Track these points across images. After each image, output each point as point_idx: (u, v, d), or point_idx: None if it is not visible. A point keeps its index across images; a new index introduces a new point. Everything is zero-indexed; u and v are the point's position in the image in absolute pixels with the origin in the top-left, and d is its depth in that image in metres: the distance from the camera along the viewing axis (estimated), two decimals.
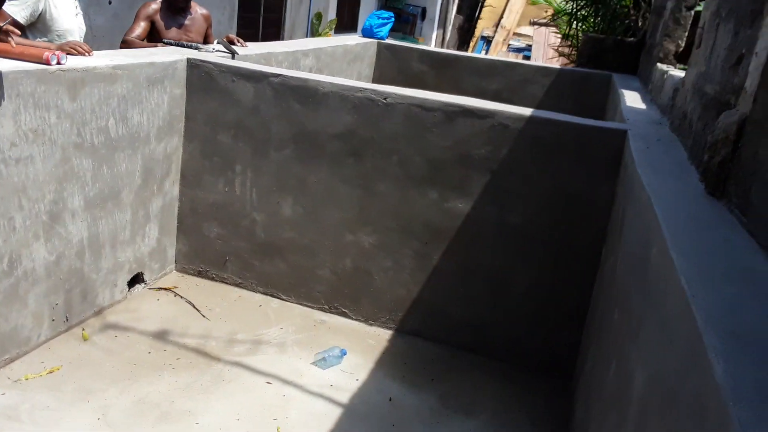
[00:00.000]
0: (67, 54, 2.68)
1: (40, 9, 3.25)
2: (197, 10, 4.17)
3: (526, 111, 3.01)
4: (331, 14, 10.59)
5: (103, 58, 2.91)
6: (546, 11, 11.03)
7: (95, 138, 2.82)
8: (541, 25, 14.37)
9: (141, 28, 3.87)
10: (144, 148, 3.13)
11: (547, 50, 13.64)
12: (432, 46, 13.34)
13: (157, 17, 3.93)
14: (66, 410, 2.30)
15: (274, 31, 8.81)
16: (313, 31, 9.38)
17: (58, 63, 2.56)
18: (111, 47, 5.73)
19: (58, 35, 3.35)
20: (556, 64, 8.58)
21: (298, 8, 9.38)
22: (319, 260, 3.29)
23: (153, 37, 3.91)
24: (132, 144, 3.04)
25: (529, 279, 3.02)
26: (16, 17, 3.14)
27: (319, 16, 9.47)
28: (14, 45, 2.47)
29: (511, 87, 5.66)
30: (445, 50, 6.82)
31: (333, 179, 3.20)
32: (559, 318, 3.01)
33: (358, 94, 3.12)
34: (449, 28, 15.24)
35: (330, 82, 3.17)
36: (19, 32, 2.52)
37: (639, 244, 1.86)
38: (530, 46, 15.64)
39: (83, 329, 2.82)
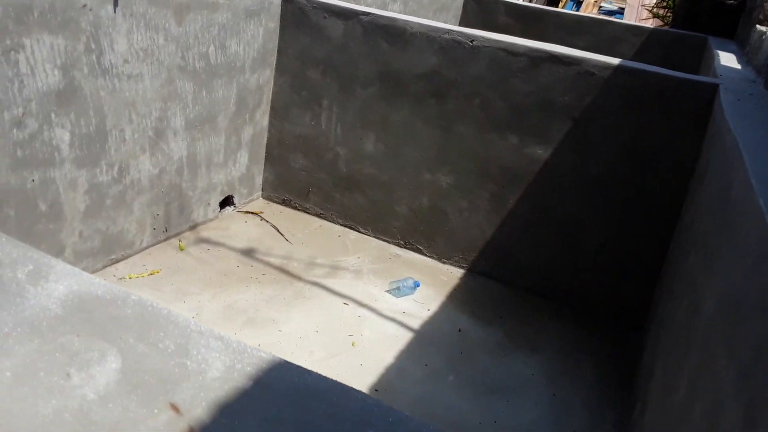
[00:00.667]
0: None
1: None
2: None
3: (614, 60, 2.98)
4: None
5: None
6: None
7: (197, 62, 3.00)
8: None
9: None
10: (239, 77, 3.30)
11: (640, 12, 13.04)
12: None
13: None
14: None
15: None
16: None
17: None
18: None
19: None
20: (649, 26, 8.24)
21: None
22: (396, 197, 3.41)
23: None
24: (229, 72, 3.21)
25: (605, 230, 3.04)
26: None
27: None
28: None
29: (599, 45, 5.52)
30: (533, 5, 6.68)
31: (415, 118, 3.28)
32: (632, 271, 3.03)
33: (445, 35, 3.16)
34: None
35: (418, 23, 3.23)
36: None
37: (721, 185, 1.87)
38: (623, 9, 14.99)
39: (180, 240, 3.07)
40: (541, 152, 3.08)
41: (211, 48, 3.06)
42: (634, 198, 2.96)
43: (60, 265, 0.83)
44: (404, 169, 3.36)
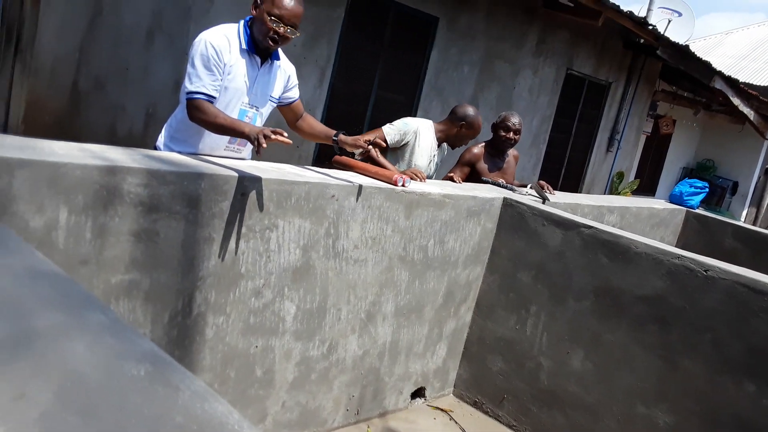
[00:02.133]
0: (411, 178, 3.09)
1: (408, 140, 3.74)
2: (510, 152, 4.50)
3: None
4: (632, 175, 10.46)
5: (435, 186, 3.28)
6: None
7: (416, 254, 3.14)
8: None
9: (462, 171, 4.26)
10: (451, 271, 3.37)
11: None
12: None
13: (480, 161, 4.29)
14: None
15: (573, 183, 8.99)
16: (612, 189, 9.34)
17: (403, 185, 2.97)
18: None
19: (409, 167, 3.81)
20: None
21: (601, 165, 9.49)
22: (602, 425, 3.08)
23: (473, 177, 4.26)
24: (442, 265, 3.30)
25: None
26: (387, 137, 3.65)
27: (620, 175, 9.44)
28: (375, 154, 2.89)
29: None
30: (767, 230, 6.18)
31: (631, 342, 3.03)
32: None
33: (674, 260, 2.98)
34: (764, 207, 13.84)
35: (644, 243, 3.09)
36: (384, 145, 2.86)
37: None
38: None
39: (368, 426, 3.02)
40: None
41: (431, 242, 3.20)
42: None
43: None
44: (614, 396, 3.05)
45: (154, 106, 4.88)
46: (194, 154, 2.50)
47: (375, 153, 2.82)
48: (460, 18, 6.24)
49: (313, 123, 3.01)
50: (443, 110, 6.46)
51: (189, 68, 2.44)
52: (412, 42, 5.98)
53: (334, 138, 2.83)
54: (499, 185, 4.05)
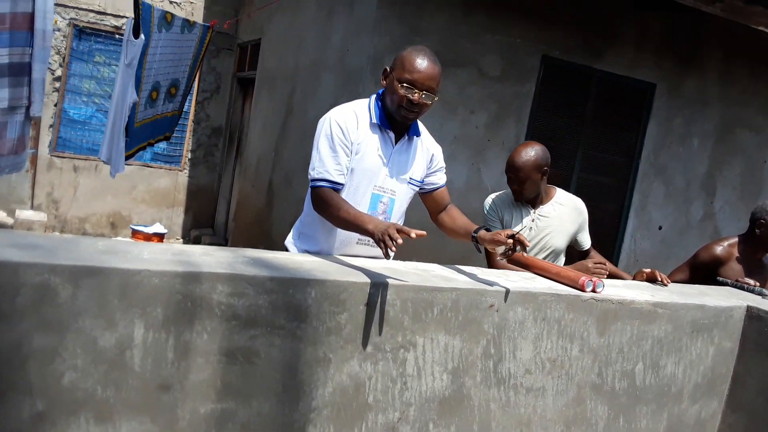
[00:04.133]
0: (600, 280, 2.34)
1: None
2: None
3: None
4: None
5: (644, 291, 2.50)
6: None
7: (617, 382, 2.36)
8: None
9: (691, 273, 3.29)
10: (672, 406, 2.50)
11: None
12: None
13: (728, 265, 3.23)
14: None
15: None
16: None
17: (593, 290, 2.26)
18: None
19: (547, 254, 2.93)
20: None
21: None
22: None
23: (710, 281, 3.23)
24: (658, 398, 2.46)
25: None
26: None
27: None
28: (522, 255, 2.23)
29: None
30: None
31: None
32: None
33: None
34: None
35: None
36: (528, 244, 2.12)
37: None
38: None
39: None
40: None
41: (639, 366, 2.40)
42: None
43: None
44: None
45: None
46: (320, 253, 2.13)
47: (522, 253, 2.14)
48: (684, 82, 5.32)
49: (456, 216, 2.46)
50: (667, 192, 5.46)
51: (313, 152, 2.11)
52: (622, 115, 5.20)
53: (473, 234, 2.27)
54: (743, 288, 3.02)
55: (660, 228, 5.55)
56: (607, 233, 5.29)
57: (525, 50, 4.63)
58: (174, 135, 5.68)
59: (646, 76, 5.11)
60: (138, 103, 4.51)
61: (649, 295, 2.46)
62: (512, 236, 2.06)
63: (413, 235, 1.78)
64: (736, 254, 3.26)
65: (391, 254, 1.85)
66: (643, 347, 2.40)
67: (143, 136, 4.88)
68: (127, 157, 4.67)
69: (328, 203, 2.05)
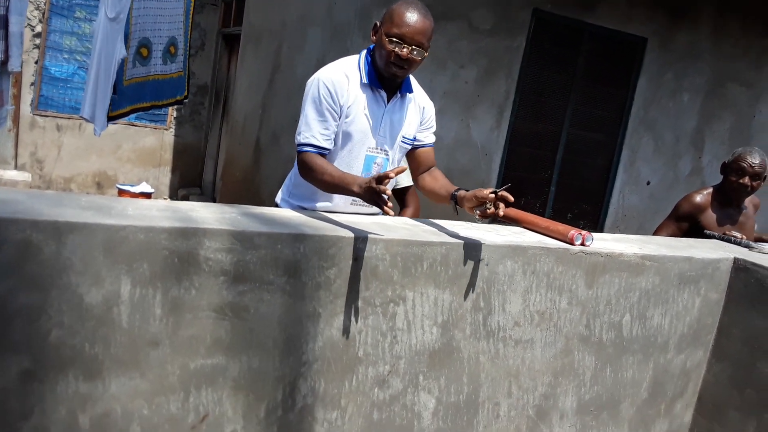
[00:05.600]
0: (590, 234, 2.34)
1: None
2: (749, 200, 3.44)
3: None
4: None
5: (632, 245, 2.51)
6: None
7: (604, 333, 2.39)
8: None
9: (679, 228, 3.33)
10: (658, 356, 2.54)
11: None
12: None
13: (705, 213, 3.32)
14: None
15: None
16: None
17: (583, 244, 2.27)
18: (638, 231, 5.46)
19: None
20: None
21: None
22: None
23: (695, 235, 3.29)
24: (645, 349, 2.50)
25: None
26: None
27: None
28: (501, 211, 2.14)
29: None
30: None
31: None
32: None
33: None
34: None
35: None
36: (511, 199, 1.99)
37: None
38: None
39: None
40: None
41: (626, 317, 2.42)
42: None
43: None
44: None
45: None
46: (312, 211, 2.10)
47: (502, 209, 1.97)
48: (676, 36, 5.26)
49: (439, 176, 2.36)
50: (656, 147, 5.46)
51: (301, 116, 2.06)
52: (613, 69, 5.14)
53: (453, 193, 2.19)
54: (730, 240, 3.06)
55: (648, 183, 5.56)
56: (596, 188, 5.30)
57: (516, 3, 4.54)
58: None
59: (637, 30, 5.04)
60: (126, 60, 4.38)
61: (637, 248, 2.46)
62: (494, 192, 2.00)
63: (392, 174, 1.74)
64: (714, 202, 3.32)
65: (391, 212, 1.80)
66: (631, 299, 2.42)
67: (134, 96, 4.72)
68: (121, 116, 4.56)
69: (312, 168, 2.01)
